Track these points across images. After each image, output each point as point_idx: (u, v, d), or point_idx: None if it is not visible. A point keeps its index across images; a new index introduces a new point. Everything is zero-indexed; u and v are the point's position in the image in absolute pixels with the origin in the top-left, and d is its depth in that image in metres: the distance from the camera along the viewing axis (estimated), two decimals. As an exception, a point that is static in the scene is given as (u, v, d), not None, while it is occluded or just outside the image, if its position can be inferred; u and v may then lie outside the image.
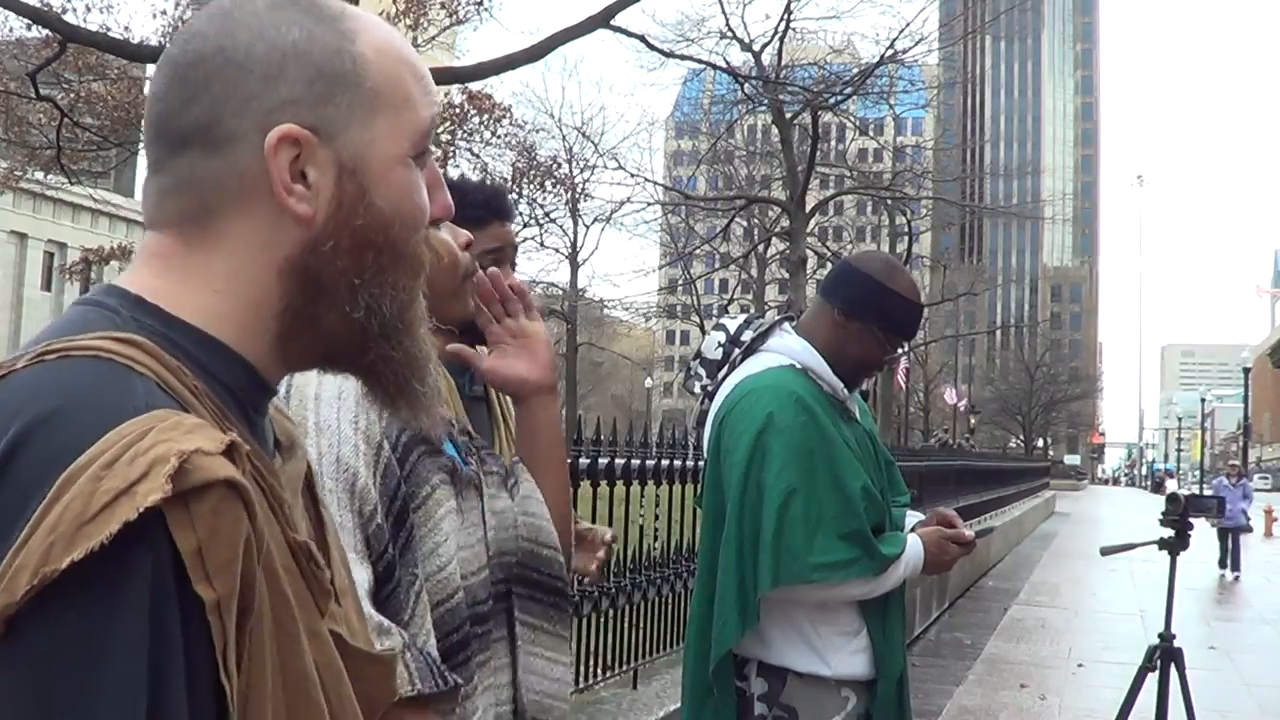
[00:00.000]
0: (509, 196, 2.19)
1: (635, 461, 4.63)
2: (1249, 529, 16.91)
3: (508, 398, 2.14)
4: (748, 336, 2.64)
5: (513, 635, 1.67)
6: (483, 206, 1.97)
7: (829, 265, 27.10)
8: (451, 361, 1.75)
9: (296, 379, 1.49)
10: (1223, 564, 16.01)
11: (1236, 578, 15.62)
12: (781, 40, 21.72)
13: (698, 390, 2.70)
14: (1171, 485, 55.60)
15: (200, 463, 0.72)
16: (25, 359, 0.78)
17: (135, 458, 0.71)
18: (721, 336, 2.67)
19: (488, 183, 2.24)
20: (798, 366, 2.55)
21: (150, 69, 21.79)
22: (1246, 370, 41.84)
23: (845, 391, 2.60)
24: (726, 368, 2.63)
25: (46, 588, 0.68)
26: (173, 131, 0.86)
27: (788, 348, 2.58)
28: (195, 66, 0.86)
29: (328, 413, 1.48)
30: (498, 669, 1.64)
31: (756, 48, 22.14)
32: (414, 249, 0.91)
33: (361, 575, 1.40)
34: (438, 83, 17.15)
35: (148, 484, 0.70)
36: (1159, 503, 5.07)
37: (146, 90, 21.66)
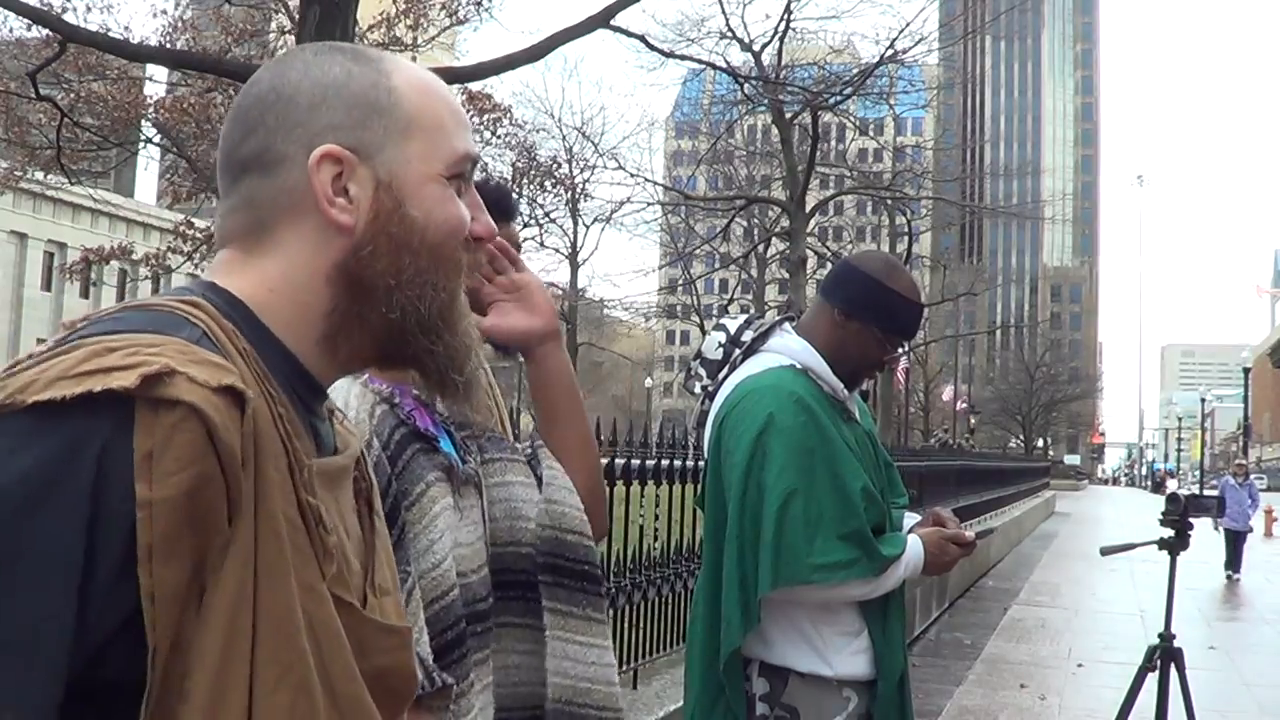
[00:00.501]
0: (511, 195, 2.20)
1: (635, 461, 4.63)
2: (1249, 529, 16.46)
3: (498, 394, 2.15)
4: (748, 337, 2.64)
5: (541, 623, 1.65)
6: (491, 207, 2.00)
7: (829, 265, 27.10)
8: None
9: None
10: (1229, 567, 15.74)
11: (1236, 578, 15.44)
12: (781, 40, 21.73)
13: (698, 391, 2.70)
14: (1173, 485, 55.36)
15: (179, 382, 0.81)
16: (117, 309, 0.90)
17: (134, 354, 0.81)
18: (722, 337, 2.67)
19: (490, 183, 2.25)
20: (798, 367, 2.55)
21: (150, 69, 21.83)
22: (1246, 370, 41.84)
23: (845, 392, 2.60)
24: (727, 368, 2.63)
25: (8, 413, 0.79)
26: (235, 162, 0.99)
27: (788, 348, 2.58)
28: (253, 106, 0.99)
29: None
30: (506, 667, 1.64)
31: (756, 48, 22.15)
32: (451, 253, 1.02)
33: None
34: (438, 83, 17.12)
35: (124, 374, 0.79)
36: (1159, 503, 5.07)
37: (146, 90, 21.77)
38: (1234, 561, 15.65)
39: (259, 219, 0.98)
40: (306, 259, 0.98)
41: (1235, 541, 15.63)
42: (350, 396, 1.50)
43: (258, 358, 0.91)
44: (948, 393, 54.98)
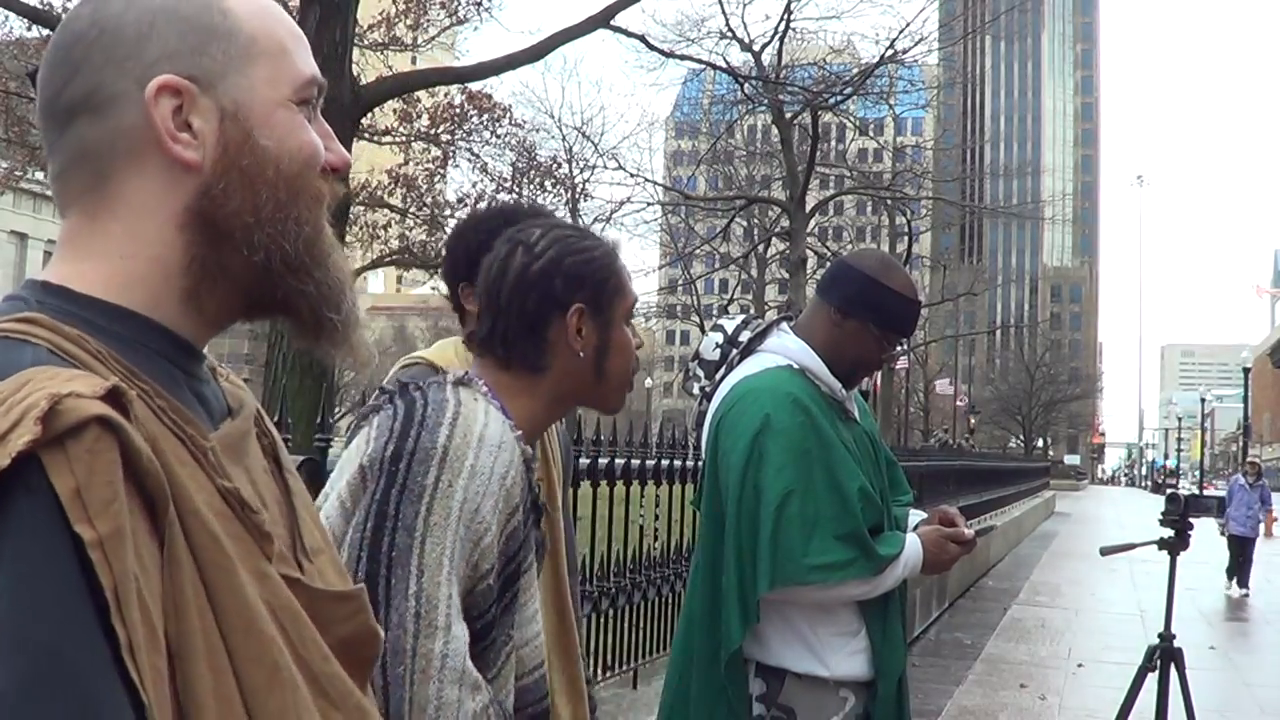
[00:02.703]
0: (524, 213, 2.22)
1: (635, 461, 4.63)
2: (1256, 535, 14.61)
3: (554, 439, 2.13)
4: (745, 337, 2.64)
5: None
6: (492, 233, 2.06)
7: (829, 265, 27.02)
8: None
9: (464, 410, 1.47)
10: (1231, 574, 14.05)
11: (1245, 595, 13.59)
12: (781, 40, 21.75)
13: (696, 391, 2.70)
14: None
15: (72, 404, 0.72)
16: None
17: (10, 408, 0.71)
18: (719, 337, 2.67)
19: (504, 204, 2.27)
20: (795, 367, 2.55)
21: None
22: (1246, 370, 41.84)
23: (843, 391, 2.59)
24: (724, 369, 2.63)
25: None
26: (59, 109, 0.88)
27: (785, 348, 2.58)
28: (74, 44, 0.88)
29: (486, 460, 1.45)
30: None
31: (756, 48, 22.16)
32: (310, 184, 0.93)
33: (457, 631, 1.40)
34: (437, 83, 17.14)
35: (19, 430, 0.70)
36: (1159, 503, 5.07)
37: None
38: (1238, 571, 13.96)
39: (96, 170, 0.88)
40: (154, 207, 0.88)
41: (1241, 548, 14.05)
42: (516, 456, 1.49)
43: (116, 355, 0.82)
44: (942, 385, 54.92)
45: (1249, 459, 17.80)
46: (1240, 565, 13.89)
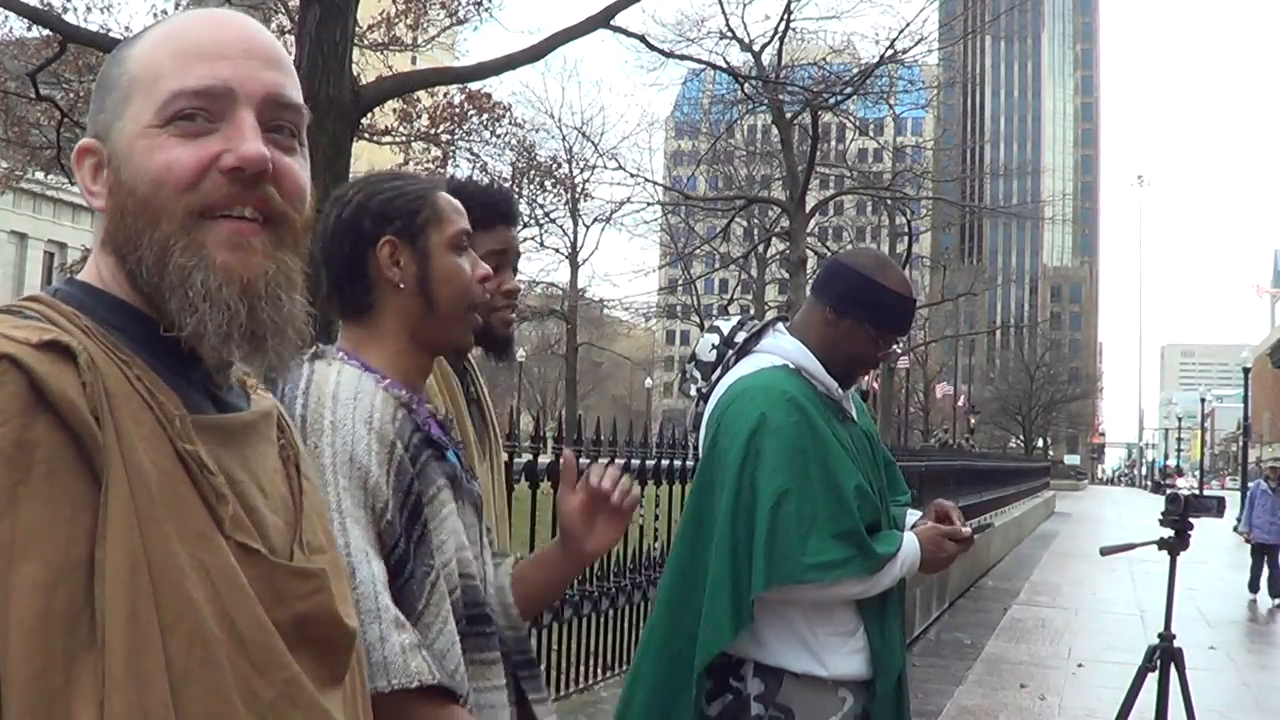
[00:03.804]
0: (515, 201, 2.21)
1: (635, 461, 4.63)
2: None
3: (489, 401, 2.20)
4: (741, 338, 2.64)
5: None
6: (489, 208, 2.05)
7: (829, 265, 26.98)
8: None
9: (316, 377, 1.55)
10: (1253, 587, 13.26)
11: (1278, 605, 12.80)
12: (781, 40, 21.74)
13: (693, 393, 2.70)
14: (1183, 484, 54.39)
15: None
16: None
17: None
18: (715, 338, 2.67)
19: (494, 186, 2.27)
20: (791, 366, 2.54)
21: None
22: (1246, 370, 41.81)
23: (840, 391, 2.59)
24: (720, 369, 2.63)
25: None
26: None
27: (780, 348, 2.58)
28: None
29: (344, 412, 1.52)
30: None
31: (756, 48, 22.16)
32: (160, 202, 1.00)
33: (376, 569, 1.45)
34: (437, 83, 17.14)
35: None
36: (1159, 503, 5.07)
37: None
38: (1270, 583, 13.16)
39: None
40: (100, 238, 1.04)
41: (1264, 557, 13.29)
42: (376, 400, 1.54)
43: (104, 331, 0.95)
44: (942, 389, 54.93)
45: (1269, 464, 15.86)
46: (1271, 573, 13.24)
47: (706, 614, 2.42)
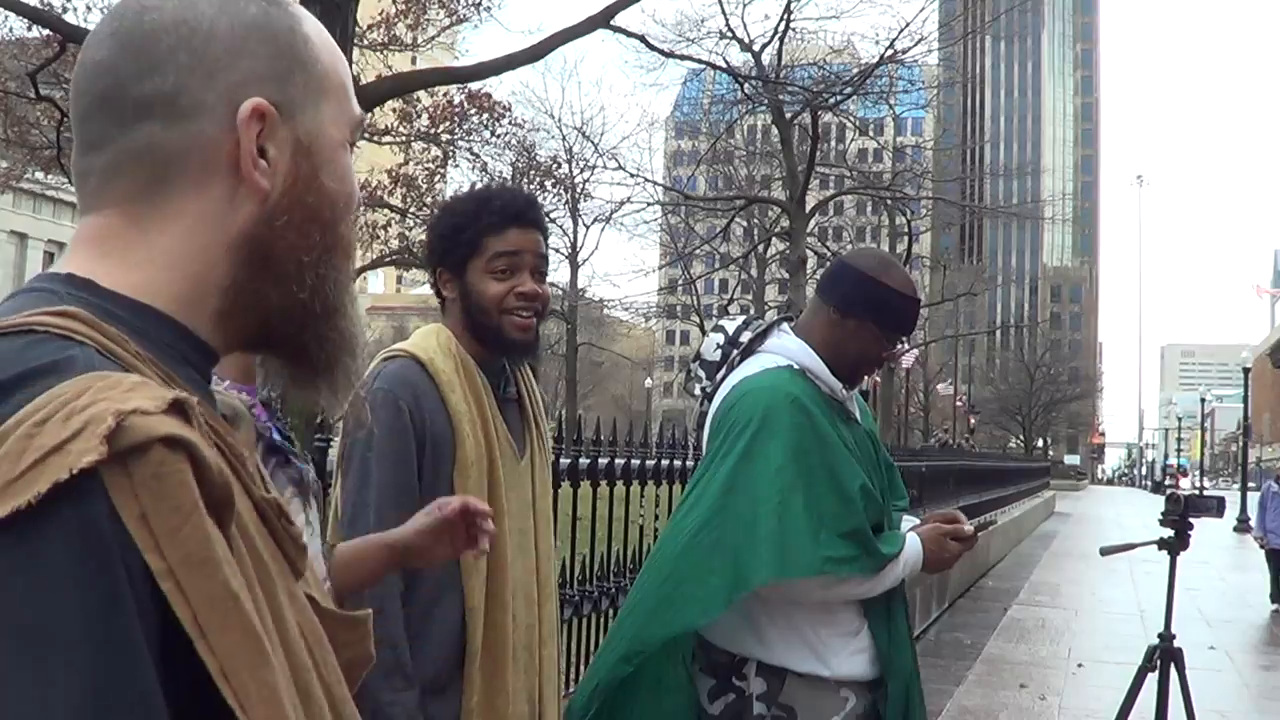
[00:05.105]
0: (536, 205, 2.25)
1: (635, 461, 4.62)
2: None
3: (539, 399, 2.20)
4: (746, 338, 2.64)
5: None
6: (499, 213, 2.14)
7: (829, 265, 26.99)
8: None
9: None
10: (1277, 597, 12.31)
11: None
12: (781, 40, 21.73)
13: (698, 393, 2.70)
14: (1185, 484, 53.84)
15: (138, 422, 0.67)
16: None
17: (70, 416, 0.67)
18: (720, 338, 2.67)
19: (504, 187, 2.33)
20: (795, 367, 2.54)
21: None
22: (1246, 370, 41.75)
23: (844, 391, 2.59)
24: (725, 369, 2.63)
25: None
26: (128, 102, 0.83)
27: (785, 348, 2.58)
28: (155, 38, 0.83)
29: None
30: None
31: (756, 48, 22.15)
32: (348, 231, 0.92)
33: None
34: (437, 83, 17.15)
35: (81, 443, 0.66)
36: (1159, 503, 5.07)
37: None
38: None
39: (156, 176, 0.83)
40: (209, 226, 0.84)
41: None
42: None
43: (153, 358, 0.78)
44: (943, 388, 54.94)
45: None
46: None
47: (677, 592, 2.39)
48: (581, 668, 4.70)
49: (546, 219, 2.28)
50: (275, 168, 0.86)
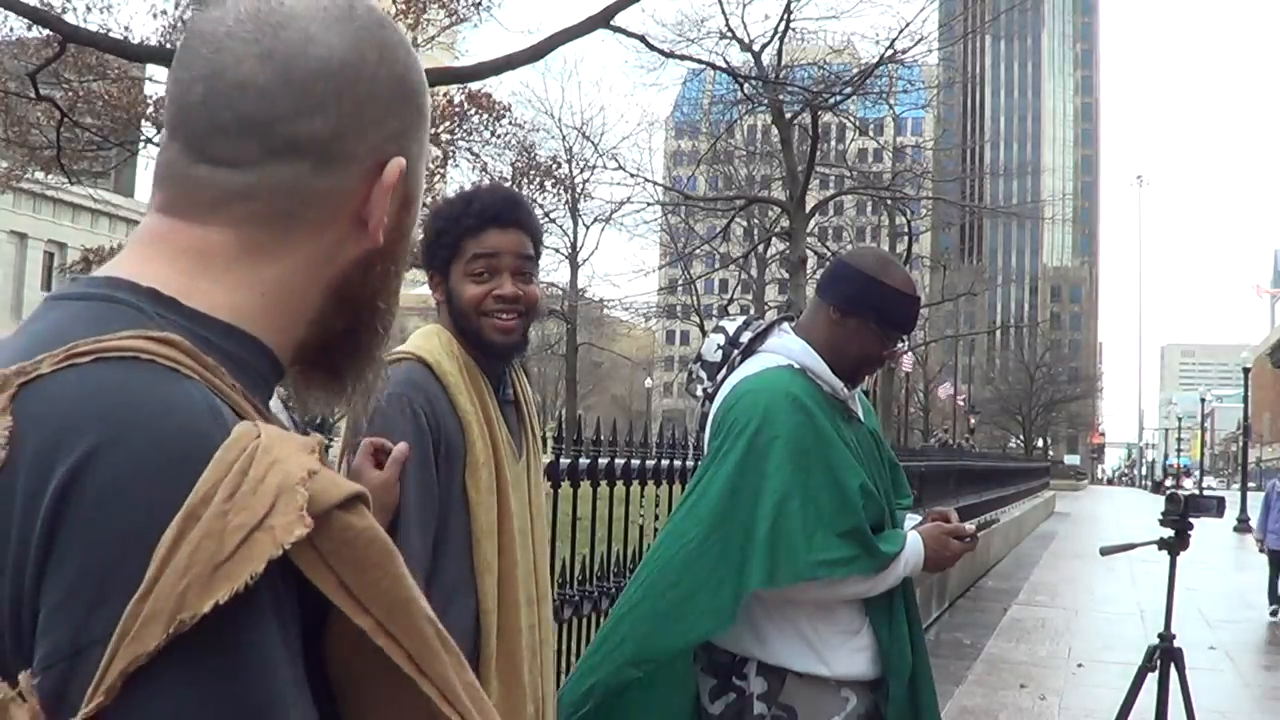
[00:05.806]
0: (517, 205, 2.23)
1: (635, 461, 4.62)
2: None
3: (530, 400, 2.20)
4: (746, 338, 2.64)
5: None
6: (477, 215, 2.14)
7: (829, 265, 26.97)
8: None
9: None
10: (1275, 597, 11.78)
11: None
12: (781, 40, 21.73)
13: (699, 393, 2.70)
14: (1188, 484, 53.37)
15: (319, 490, 0.69)
16: (50, 361, 0.72)
17: (255, 487, 0.67)
18: (721, 339, 2.67)
19: (487, 188, 2.31)
20: (796, 366, 2.55)
21: (150, 69, 21.84)
22: (1246, 370, 41.73)
23: (845, 390, 2.59)
24: (726, 369, 2.63)
25: (180, 635, 0.64)
26: (282, 136, 0.81)
27: (785, 348, 2.58)
28: (321, 78, 0.82)
29: None
30: None
31: (756, 48, 22.15)
32: (399, 270, 0.92)
33: None
34: (437, 83, 17.14)
35: (281, 517, 0.67)
36: (1159, 503, 5.07)
37: (146, 90, 21.78)
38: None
39: (290, 212, 0.82)
40: (317, 265, 0.84)
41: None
42: None
43: (244, 390, 0.78)
44: (944, 389, 54.96)
45: None
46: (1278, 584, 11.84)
47: (692, 604, 2.39)
48: (581, 668, 4.70)
49: (535, 218, 2.25)
50: (388, 221, 0.86)
